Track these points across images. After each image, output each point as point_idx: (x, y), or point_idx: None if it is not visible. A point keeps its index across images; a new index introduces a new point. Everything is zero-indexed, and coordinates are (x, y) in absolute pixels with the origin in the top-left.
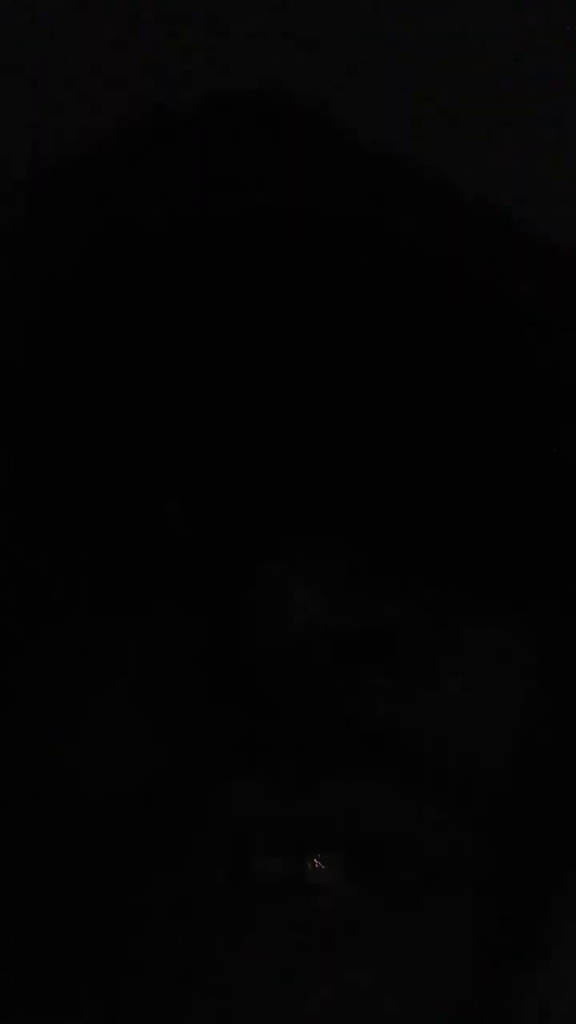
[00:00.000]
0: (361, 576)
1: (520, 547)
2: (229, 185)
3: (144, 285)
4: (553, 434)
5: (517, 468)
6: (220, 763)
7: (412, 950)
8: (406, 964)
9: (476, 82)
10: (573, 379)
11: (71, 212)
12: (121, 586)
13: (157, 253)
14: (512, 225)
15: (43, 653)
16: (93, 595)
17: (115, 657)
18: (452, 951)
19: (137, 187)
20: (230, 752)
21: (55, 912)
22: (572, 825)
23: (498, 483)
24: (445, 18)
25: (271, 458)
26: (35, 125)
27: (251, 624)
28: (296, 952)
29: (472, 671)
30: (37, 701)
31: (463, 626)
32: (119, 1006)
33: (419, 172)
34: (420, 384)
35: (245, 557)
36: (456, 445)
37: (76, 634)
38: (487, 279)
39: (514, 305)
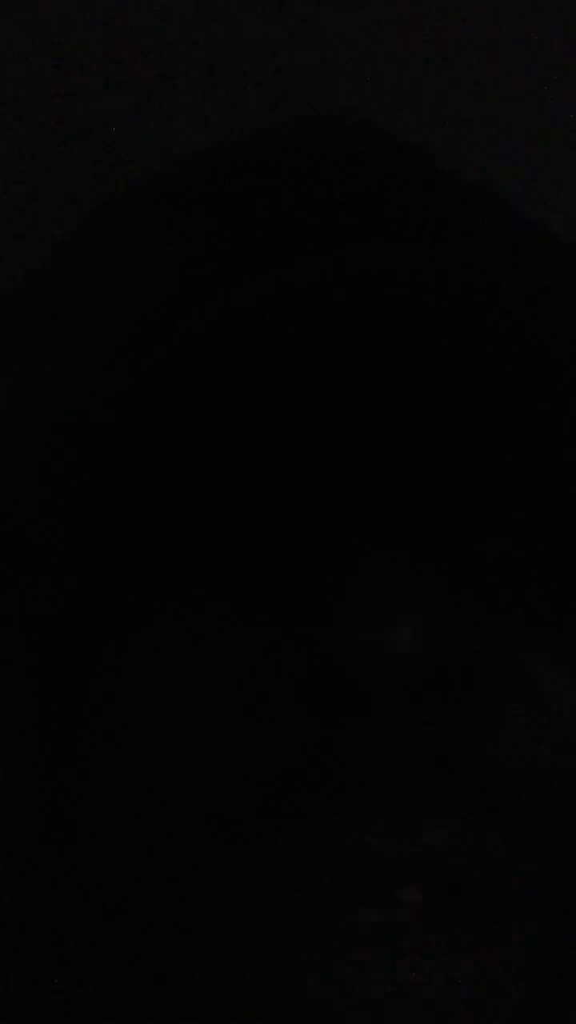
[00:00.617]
0: (453, 605)
1: None
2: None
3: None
4: None
5: None
6: (315, 791)
7: (478, 976)
8: (481, 996)
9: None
10: None
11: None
12: (221, 597)
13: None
14: None
15: (150, 662)
16: (193, 606)
17: (218, 671)
18: (532, 982)
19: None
20: (325, 781)
21: (129, 930)
22: None
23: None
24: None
25: (369, 482)
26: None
27: (352, 643)
28: (361, 975)
29: (547, 704)
30: (141, 708)
31: (541, 660)
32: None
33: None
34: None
35: (344, 574)
36: (533, 488)
37: (178, 644)
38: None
39: None
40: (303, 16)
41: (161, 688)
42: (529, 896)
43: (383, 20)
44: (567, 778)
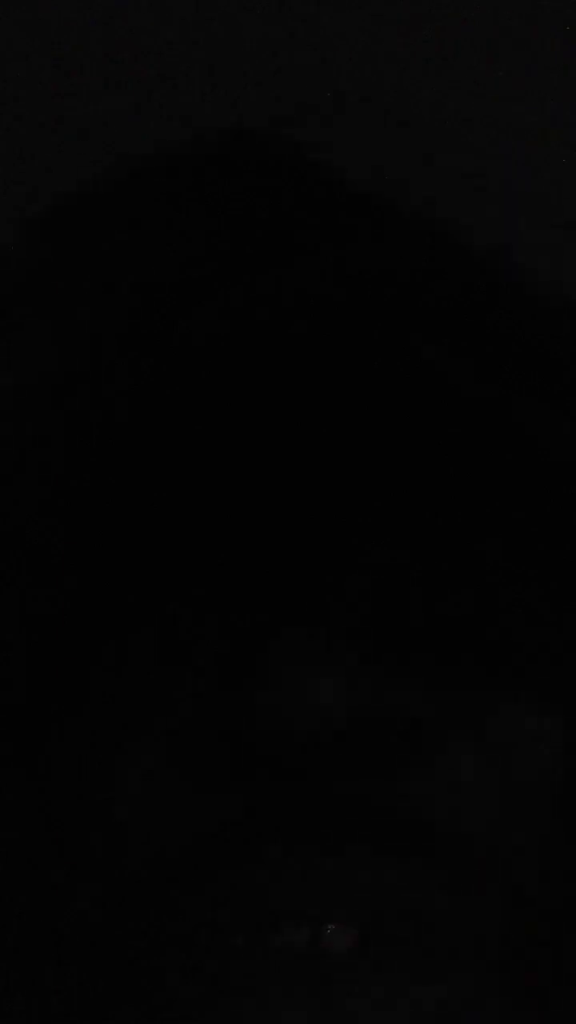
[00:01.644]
0: (379, 663)
1: (543, 630)
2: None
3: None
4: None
5: (534, 546)
6: (243, 834)
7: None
8: None
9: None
10: None
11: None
12: (150, 661)
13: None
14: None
15: (89, 709)
16: (129, 661)
17: (148, 726)
18: (482, 1017)
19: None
20: (252, 825)
21: (68, 961)
22: None
23: (516, 564)
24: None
25: (289, 545)
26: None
27: (273, 709)
28: (308, 1016)
29: (492, 752)
30: (100, 760)
31: (483, 708)
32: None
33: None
34: (432, 462)
35: (266, 639)
36: (469, 531)
37: (115, 695)
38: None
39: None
40: (303, 16)
41: (104, 727)
42: (470, 948)
43: (383, 20)
44: (513, 834)
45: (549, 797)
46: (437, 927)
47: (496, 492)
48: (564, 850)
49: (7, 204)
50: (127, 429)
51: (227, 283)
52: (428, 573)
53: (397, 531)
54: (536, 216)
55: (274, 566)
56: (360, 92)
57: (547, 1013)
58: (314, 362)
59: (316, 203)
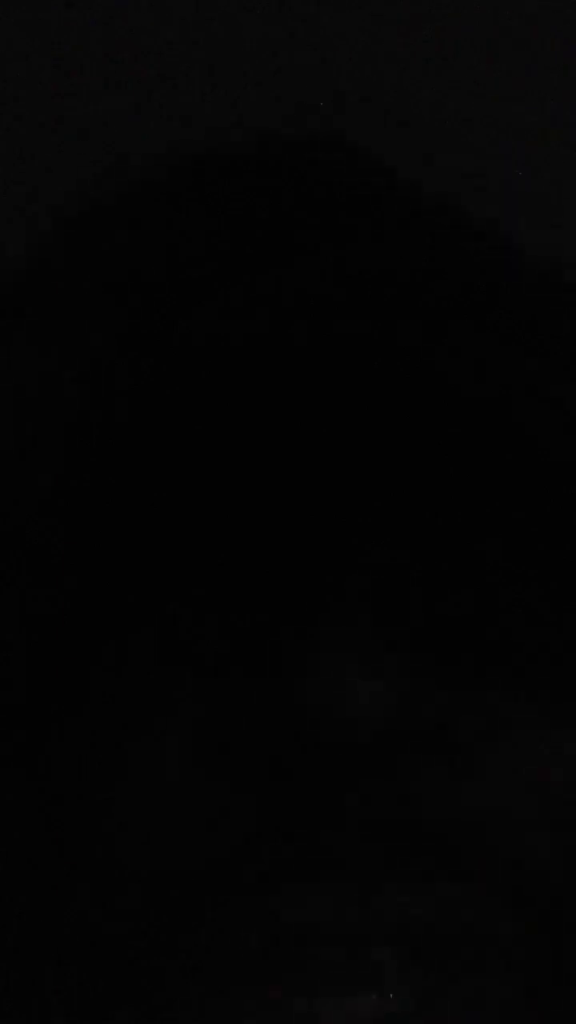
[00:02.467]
0: (421, 673)
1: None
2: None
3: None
4: None
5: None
6: (274, 858)
7: None
8: None
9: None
10: None
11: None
12: (150, 661)
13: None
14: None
15: (109, 710)
16: (157, 660)
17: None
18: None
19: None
20: (285, 848)
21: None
22: None
23: (550, 581)
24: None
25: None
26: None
27: (313, 714)
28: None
29: (525, 768)
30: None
31: (518, 724)
32: None
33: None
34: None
35: (310, 642)
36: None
37: (141, 696)
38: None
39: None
40: (303, 16)
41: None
42: (507, 960)
43: (383, 20)
44: (544, 849)
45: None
46: (463, 942)
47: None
48: None
49: (7, 204)
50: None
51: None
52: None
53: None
54: (536, 216)
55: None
56: (360, 92)
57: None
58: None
59: (316, 203)
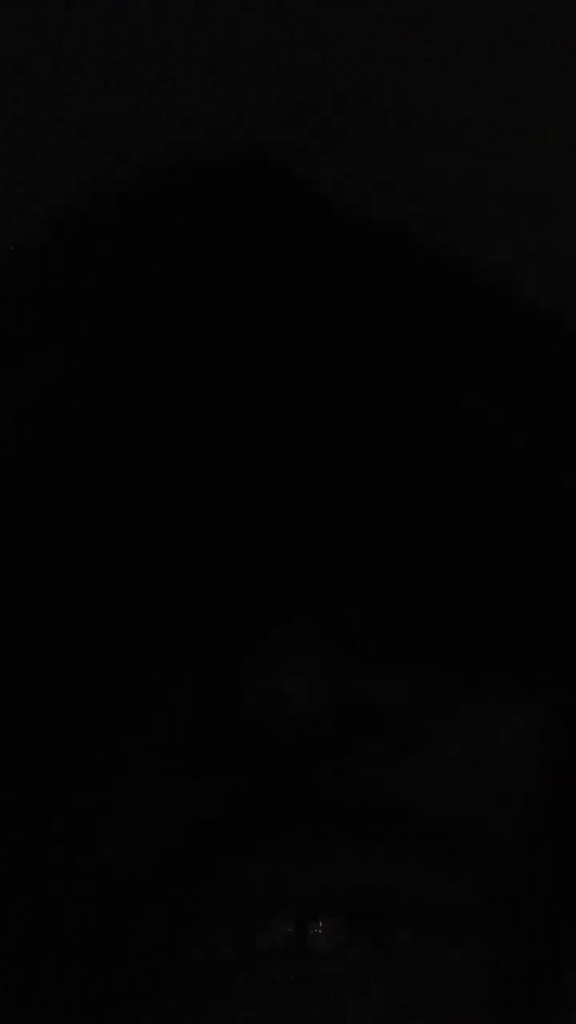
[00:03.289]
0: (355, 653)
1: (518, 615)
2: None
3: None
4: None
5: (510, 537)
6: (224, 831)
7: (416, 1004)
8: (409, 1018)
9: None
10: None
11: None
12: (150, 661)
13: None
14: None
15: (71, 718)
16: (113, 663)
17: (126, 720)
18: (458, 1004)
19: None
20: (232, 820)
21: (64, 961)
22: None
23: (493, 551)
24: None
25: (269, 542)
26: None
27: (250, 702)
28: (299, 1013)
29: (469, 738)
30: (100, 760)
31: (460, 696)
32: None
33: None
34: (412, 455)
35: (245, 635)
36: (469, 531)
37: (89, 696)
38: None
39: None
40: (303, 16)
41: (123, 732)
42: (455, 930)
43: (383, 20)
44: (491, 815)
45: (529, 784)
46: (423, 907)
47: (496, 492)
48: (545, 834)
49: (7, 204)
50: (127, 429)
51: (227, 283)
52: (428, 573)
53: (397, 531)
54: (536, 216)
55: (274, 565)
56: (360, 92)
57: (528, 991)
58: (314, 362)
59: (316, 203)
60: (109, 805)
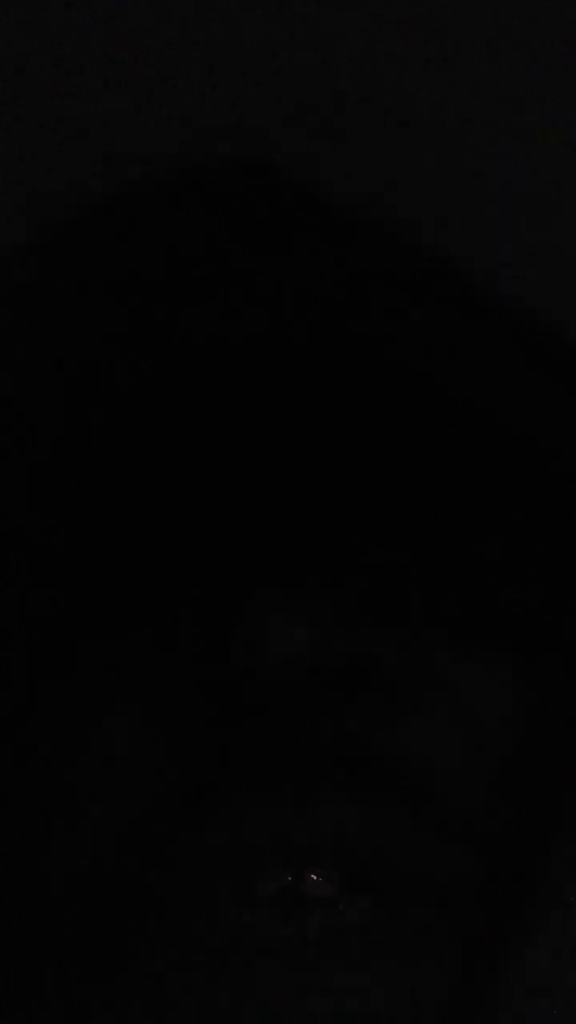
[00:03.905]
0: (345, 615)
1: (500, 588)
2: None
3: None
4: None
5: (495, 513)
6: (216, 787)
7: (401, 954)
8: (395, 966)
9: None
10: None
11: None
12: (123, 616)
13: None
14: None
15: (54, 674)
16: (98, 624)
17: (118, 682)
18: (440, 954)
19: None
20: (225, 776)
21: (53, 924)
22: (551, 842)
23: (480, 526)
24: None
25: (264, 506)
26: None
27: (240, 659)
28: (292, 957)
29: (454, 701)
30: (48, 721)
31: (445, 661)
32: (116, 1010)
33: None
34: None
35: (237, 597)
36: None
37: (81, 659)
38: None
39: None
40: (303, 16)
41: (90, 695)
42: (439, 884)
43: (383, 20)
44: (475, 776)
45: (506, 747)
46: (402, 863)
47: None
48: (522, 792)
49: (7, 204)
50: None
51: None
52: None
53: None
54: (536, 216)
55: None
56: (360, 92)
57: (494, 950)
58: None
59: (315, 206)
60: (100, 765)
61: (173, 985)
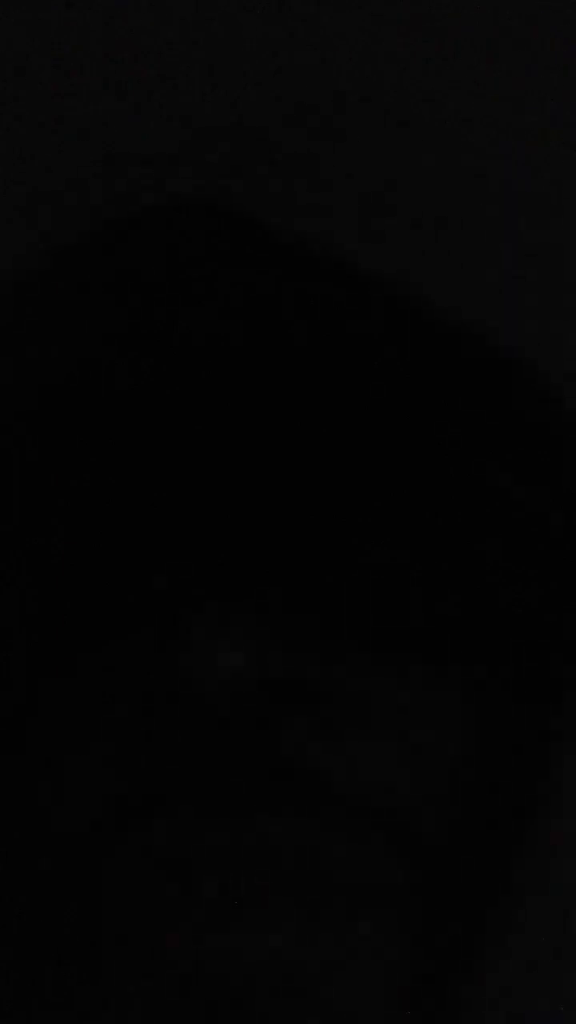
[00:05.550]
0: (286, 636)
1: (443, 607)
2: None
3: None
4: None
5: (441, 528)
6: (160, 798)
7: (343, 968)
8: (336, 984)
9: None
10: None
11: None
12: (81, 635)
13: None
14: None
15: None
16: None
17: (62, 694)
18: (382, 966)
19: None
20: (169, 788)
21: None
22: (491, 855)
23: (425, 546)
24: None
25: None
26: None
27: (186, 676)
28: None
29: (392, 719)
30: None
31: (385, 679)
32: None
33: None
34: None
35: (181, 612)
36: (382, 513)
37: (23, 672)
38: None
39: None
40: (303, 16)
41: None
42: (378, 897)
43: (383, 20)
44: (411, 792)
45: (446, 763)
46: (335, 877)
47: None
48: (458, 811)
49: (6, 204)
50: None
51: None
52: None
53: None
54: (536, 216)
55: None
56: (360, 92)
57: (438, 959)
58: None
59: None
60: (47, 775)
61: (107, 983)
